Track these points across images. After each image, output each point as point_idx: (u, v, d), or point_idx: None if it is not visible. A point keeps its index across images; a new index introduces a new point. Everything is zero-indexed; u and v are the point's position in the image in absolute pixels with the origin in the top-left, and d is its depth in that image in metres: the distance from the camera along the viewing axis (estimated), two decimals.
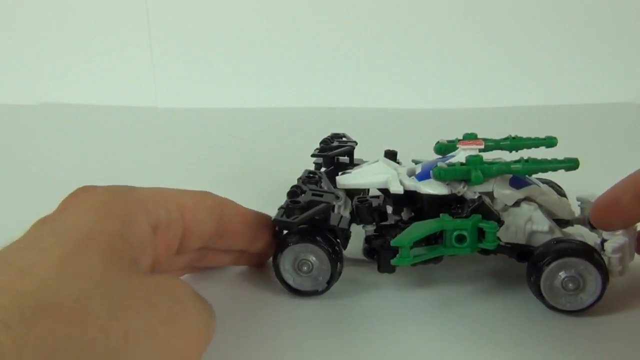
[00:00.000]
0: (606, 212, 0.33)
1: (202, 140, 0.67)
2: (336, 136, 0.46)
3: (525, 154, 0.36)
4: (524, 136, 0.39)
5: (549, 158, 0.33)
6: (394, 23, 0.80)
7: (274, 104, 0.78)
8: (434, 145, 0.40)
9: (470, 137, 0.38)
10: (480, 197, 0.33)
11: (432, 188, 0.34)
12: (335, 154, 0.42)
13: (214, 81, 0.81)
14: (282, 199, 0.34)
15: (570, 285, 0.30)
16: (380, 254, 0.34)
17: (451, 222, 0.32)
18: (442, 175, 0.33)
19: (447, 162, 0.35)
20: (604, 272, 0.30)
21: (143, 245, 0.25)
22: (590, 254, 0.31)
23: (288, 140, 0.65)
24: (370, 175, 0.37)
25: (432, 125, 0.71)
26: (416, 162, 0.39)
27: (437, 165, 0.34)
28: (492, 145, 0.38)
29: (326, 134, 0.46)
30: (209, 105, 0.79)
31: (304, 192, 0.35)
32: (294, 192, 0.34)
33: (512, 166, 0.33)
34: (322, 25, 0.80)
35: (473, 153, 0.35)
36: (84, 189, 0.27)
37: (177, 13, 0.81)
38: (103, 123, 0.74)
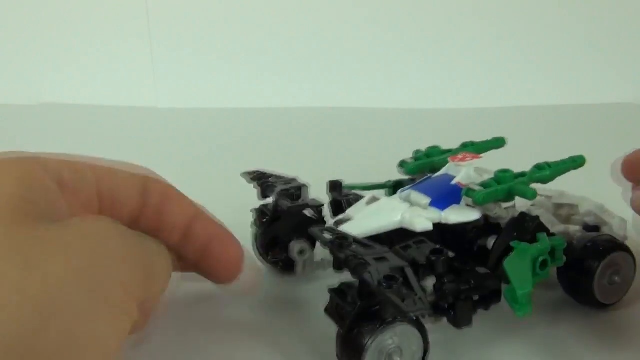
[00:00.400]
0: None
1: (202, 140, 0.67)
2: (263, 176, 0.39)
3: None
4: (477, 141, 0.38)
5: (557, 160, 0.33)
6: (394, 23, 0.80)
7: (274, 104, 0.78)
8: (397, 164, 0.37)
9: (450, 153, 0.36)
10: (537, 216, 0.31)
11: (462, 215, 0.31)
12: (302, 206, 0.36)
13: (214, 81, 0.81)
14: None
15: (616, 278, 0.32)
16: (457, 307, 0.28)
17: (533, 248, 0.29)
18: (486, 200, 0.30)
19: (475, 184, 0.31)
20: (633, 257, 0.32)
21: (49, 201, 0.23)
22: (624, 245, 0.32)
23: (288, 141, 0.66)
24: (382, 216, 0.31)
25: (432, 126, 0.71)
26: (391, 186, 0.37)
27: (472, 190, 0.30)
28: (451, 154, 0.37)
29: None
30: (209, 105, 0.79)
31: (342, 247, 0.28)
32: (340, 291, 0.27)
33: (538, 175, 0.32)
34: (322, 26, 0.80)
35: (475, 168, 0.33)
36: None
37: (177, 13, 0.81)
38: (103, 123, 0.74)
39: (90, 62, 0.82)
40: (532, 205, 0.36)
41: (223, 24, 0.81)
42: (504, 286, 0.29)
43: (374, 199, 0.33)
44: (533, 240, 0.30)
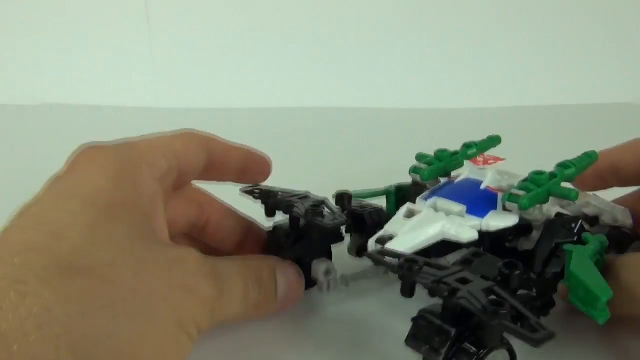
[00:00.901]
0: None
1: None
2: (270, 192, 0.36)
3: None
4: (477, 140, 0.37)
5: (572, 159, 0.33)
6: (394, 23, 0.80)
7: (274, 104, 0.78)
8: (411, 170, 0.35)
9: (458, 155, 0.35)
10: (578, 217, 0.31)
11: (501, 221, 0.30)
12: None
13: (214, 81, 0.81)
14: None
15: None
16: (528, 320, 0.24)
17: (590, 249, 0.28)
18: (531, 204, 0.29)
19: (513, 188, 0.30)
20: None
21: (155, 207, 0.27)
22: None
23: (288, 141, 0.65)
24: (426, 229, 0.29)
25: (432, 126, 0.71)
26: (394, 192, 0.36)
27: (513, 195, 0.29)
28: (461, 156, 0.36)
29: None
30: (209, 105, 0.79)
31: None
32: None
33: (566, 173, 0.31)
34: (322, 26, 0.80)
35: (498, 170, 0.32)
36: (89, 147, 0.28)
37: (177, 13, 0.81)
38: (103, 123, 0.74)
39: (90, 62, 0.82)
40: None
41: (223, 24, 0.80)
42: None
43: (412, 212, 0.31)
44: (579, 241, 0.29)
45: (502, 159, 0.33)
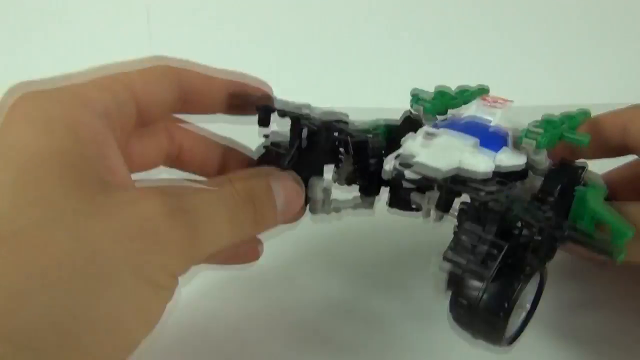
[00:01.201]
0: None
1: None
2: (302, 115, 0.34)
3: None
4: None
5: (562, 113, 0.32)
6: (394, 23, 0.80)
7: None
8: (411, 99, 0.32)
9: (479, 92, 0.33)
10: (571, 162, 0.29)
11: (513, 159, 0.29)
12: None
13: None
14: None
15: None
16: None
17: (600, 191, 0.28)
18: (550, 143, 0.28)
19: (527, 127, 0.29)
20: None
21: (100, 145, 0.24)
22: None
23: None
24: (449, 154, 0.28)
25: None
26: (383, 132, 0.33)
27: (532, 132, 0.28)
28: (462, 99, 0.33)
29: None
30: None
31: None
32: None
33: (574, 123, 0.30)
34: (322, 26, 0.80)
35: (506, 110, 0.30)
36: (22, 98, 0.25)
37: (177, 13, 0.81)
38: None
39: (90, 62, 0.82)
40: None
41: (223, 24, 0.81)
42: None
43: (432, 135, 0.30)
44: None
45: (511, 101, 0.31)
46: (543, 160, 0.29)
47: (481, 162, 0.27)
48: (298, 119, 0.30)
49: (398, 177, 0.27)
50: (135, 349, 0.22)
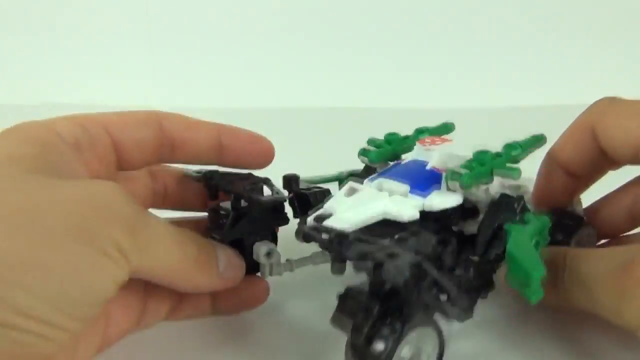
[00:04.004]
0: (545, 194, 0.34)
1: None
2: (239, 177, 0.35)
3: None
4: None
5: (520, 140, 0.32)
6: (394, 23, 0.80)
7: (274, 104, 0.78)
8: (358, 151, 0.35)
9: (409, 140, 0.35)
10: (521, 196, 0.30)
11: (445, 201, 0.28)
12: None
13: (214, 81, 0.81)
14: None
15: None
16: (449, 294, 0.25)
17: (530, 229, 0.28)
18: (473, 182, 0.28)
19: (449, 167, 0.29)
20: None
21: (63, 161, 0.25)
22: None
23: (288, 141, 0.65)
24: (366, 207, 0.28)
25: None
26: (345, 178, 0.35)
27: (455, 172, 0.28)
28: (411, 141, 0.35)
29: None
30: (209, 105, 0.78)
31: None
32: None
33: (513, 153, 0.31)
34: (322, 26, 0.80)
35: (446, 151, 0.31)
36: (5, 129, 0.27)
37: (177, 13, 0.81)
38: None
39: (90, 62, 0.82)
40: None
41: (223, 24, 0.81)
42: (500, 273, 0.27)
43: (354, 190, 0.30)
44: (521, 221, 0.29)
45: (449, 140, 0.32)
46: (482, 197, 0.30)
47: (405, 208, 0.27)
48: (230, 189, 0.31)
49: (306, 237, 0.26)
50: (78, 325, 0.21)
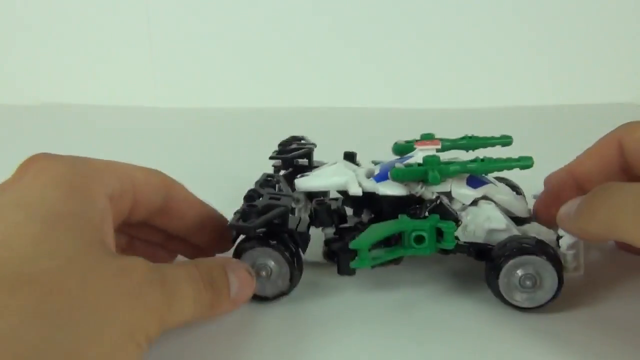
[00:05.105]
0: (550, 210, 0.33)
1: (202, 140, 0.67)
2: (295, 139, 0.45)
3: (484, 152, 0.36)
4: (481, 136, 0.39)
5: (504, 157, 0.33)
6: (394, 23, 0.80)
7: (274, 104, 0.78)
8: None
9: (427, 138, 0.38)
10: (438, 197, 0.33)
11: (390, 189, 0.34)
12: (294, 156, 0.42)
13: (214, 81, 0.81)
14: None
15: (528, 282, 0.31)
16: (340, 257, 0.33)
17: (410, 223, 0.32)
18: (400, 176, 0.33)
19: (405, 162, 0.34)
20: (560, 269, 0.31)
21: (104, 221, 0.27)
22: (546, 251, 0.31)
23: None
24: (328, 177, 0.36)
25: (432, 126, 0.71)
26: (375, 163, 0.38)
27: (394, 167, 0.34)
28: (449, 145, 0.38)
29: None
30: (209, 105, 0.79)
31: (261, 195, 0.34)
32: (250, 197, 0.34)
33: (468, 166, 0.33)
34: (322, 26, 0.80)
35: (430, 153, 0.35)
36: (41, 156, 0.28)
37: (177, 13, 0.81)
38: (103, 123, 0.74)
39: (90, 62, 0.82)
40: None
41: (222, 24, 0.81)
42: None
43: (335, 164, 0.38)
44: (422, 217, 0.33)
45: (437, 142, 0.37)
46: (424, 194, 0.34)
47: (352, 186, 0.35)
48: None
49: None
50: None
